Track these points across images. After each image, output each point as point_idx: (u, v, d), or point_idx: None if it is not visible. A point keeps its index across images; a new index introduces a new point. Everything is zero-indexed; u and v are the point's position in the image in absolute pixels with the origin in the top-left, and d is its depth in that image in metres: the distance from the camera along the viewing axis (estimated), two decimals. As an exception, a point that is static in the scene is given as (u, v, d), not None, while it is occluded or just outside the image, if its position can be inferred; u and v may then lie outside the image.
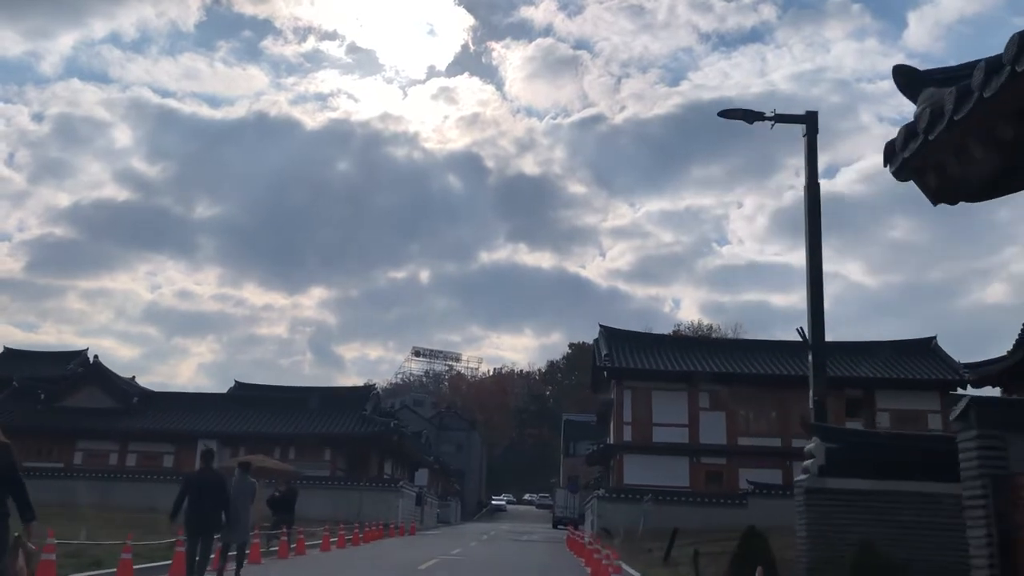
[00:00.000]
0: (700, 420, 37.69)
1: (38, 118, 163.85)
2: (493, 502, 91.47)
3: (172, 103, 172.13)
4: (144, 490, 38.47)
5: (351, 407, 47.46)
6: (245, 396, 51.17)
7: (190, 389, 64.48)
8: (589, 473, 64.52)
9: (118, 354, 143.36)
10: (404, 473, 54.90)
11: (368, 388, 51.87)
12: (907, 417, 37.30)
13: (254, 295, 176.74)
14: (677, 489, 34.86)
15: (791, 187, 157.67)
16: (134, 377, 58.84)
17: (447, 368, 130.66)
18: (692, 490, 36.01)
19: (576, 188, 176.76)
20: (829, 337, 17.61)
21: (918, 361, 38.97)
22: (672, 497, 32.77)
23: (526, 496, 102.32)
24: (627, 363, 38.32)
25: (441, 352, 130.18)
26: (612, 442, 38.90)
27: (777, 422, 37.69)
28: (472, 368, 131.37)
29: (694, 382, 37.91)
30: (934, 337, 40.39)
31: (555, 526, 59.88)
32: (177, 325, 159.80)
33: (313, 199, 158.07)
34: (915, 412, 37.35)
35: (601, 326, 41.65)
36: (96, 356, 49.24)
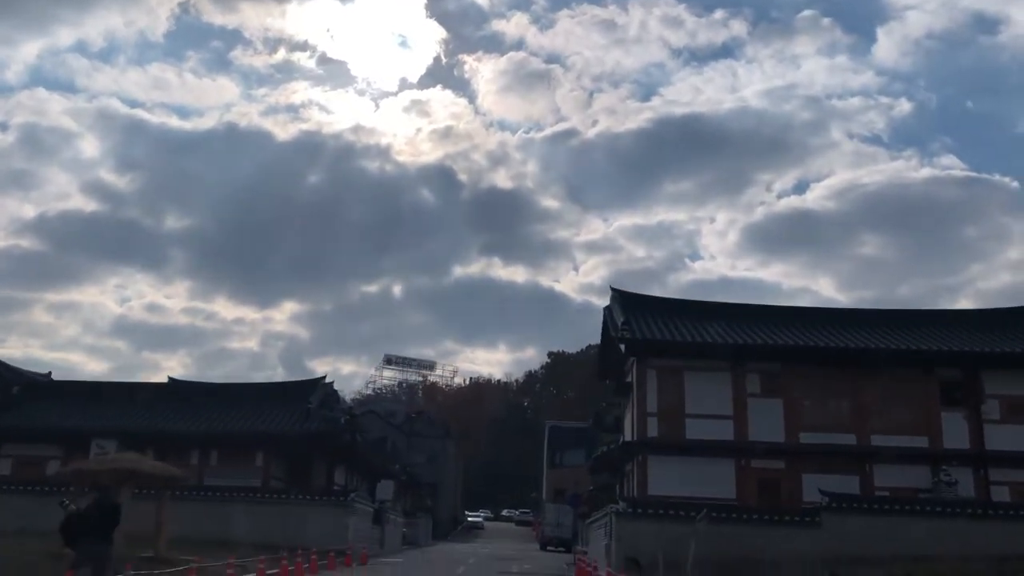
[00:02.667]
0: (749, 410, 28.20)
1: (2, 128, 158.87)
2: (469, 519, 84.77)
3: (141, 113, 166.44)
4: (17, 505, 28.94)
5: (295, 402, 37.75)
6: (171, 392, 41.50)
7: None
8: (581, 484, 55.81)
9: (87, 368, 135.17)
10: (363, 484, 45.27)
11: (316, 380, 41.47)
12: None
13: (225, 309, 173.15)
14: (721, 502, 25.41)
15: (762, 203, 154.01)
16: (51, 373, 48.78)
17: (421, 378, 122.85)
18: (740, 503, 26.67)
19: (549, 202, 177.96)
20: None
21: (1026, 334, 29.90)
22: (718, 513, 23.26)
23: (504, 512, 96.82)
24: (652, 334, 28.88)
25: (415, 360, 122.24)
26: (634, 438, 29.31)
27: (851, 413, 28.43)
28: (447, 377, 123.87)
29: (740, 359, 28.58)
30: (1043, 304, 31.45)
31: (543, 547, 51.90)
32: (147, 339, 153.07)
33: (284, 212, 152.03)
34: (1034, 399, 28.27)
35: (614, 289, 32.26)
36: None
